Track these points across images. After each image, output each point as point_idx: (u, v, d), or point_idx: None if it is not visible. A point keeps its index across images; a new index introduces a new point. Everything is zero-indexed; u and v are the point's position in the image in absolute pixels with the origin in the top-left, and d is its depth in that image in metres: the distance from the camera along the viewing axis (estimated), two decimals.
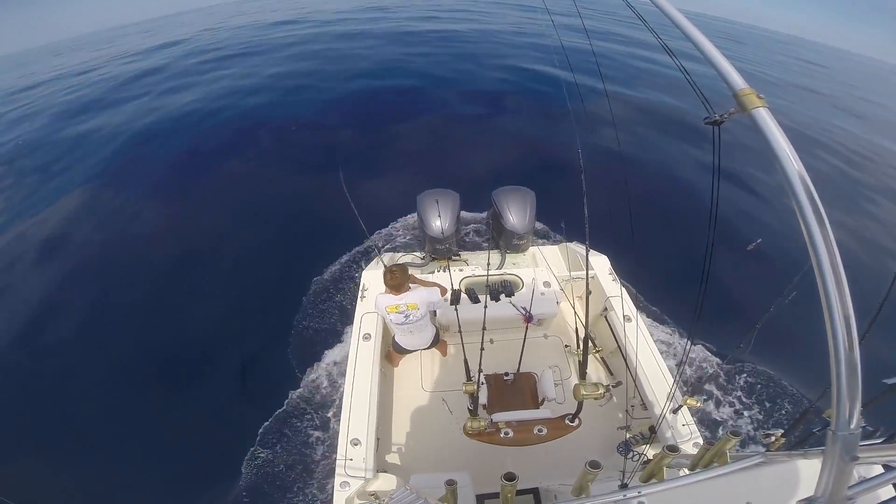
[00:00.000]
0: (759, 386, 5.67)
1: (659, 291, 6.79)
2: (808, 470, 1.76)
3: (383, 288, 4.17)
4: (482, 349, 3.46)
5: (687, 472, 2.21)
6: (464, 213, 7.60)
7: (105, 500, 4.79)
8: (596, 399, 3.00)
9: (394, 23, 28.90)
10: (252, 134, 12.82)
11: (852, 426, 1.32)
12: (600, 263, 4.99)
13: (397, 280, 3.71)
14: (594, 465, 2.08)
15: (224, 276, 7.69)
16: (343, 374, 4.80)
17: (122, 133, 14.14)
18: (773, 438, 2.04)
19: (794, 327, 5.45)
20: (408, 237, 8.07)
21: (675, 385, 2.96)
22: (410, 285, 3.93)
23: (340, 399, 3.92)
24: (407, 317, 3.89)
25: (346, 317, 6.39)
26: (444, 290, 4.12)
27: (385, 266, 4.37)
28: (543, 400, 4.08)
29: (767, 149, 1.36)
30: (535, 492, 3.50)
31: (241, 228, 8.84)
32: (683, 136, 12.74)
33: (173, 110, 15.50)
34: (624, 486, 2.14)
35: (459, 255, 5.61)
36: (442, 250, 5.29)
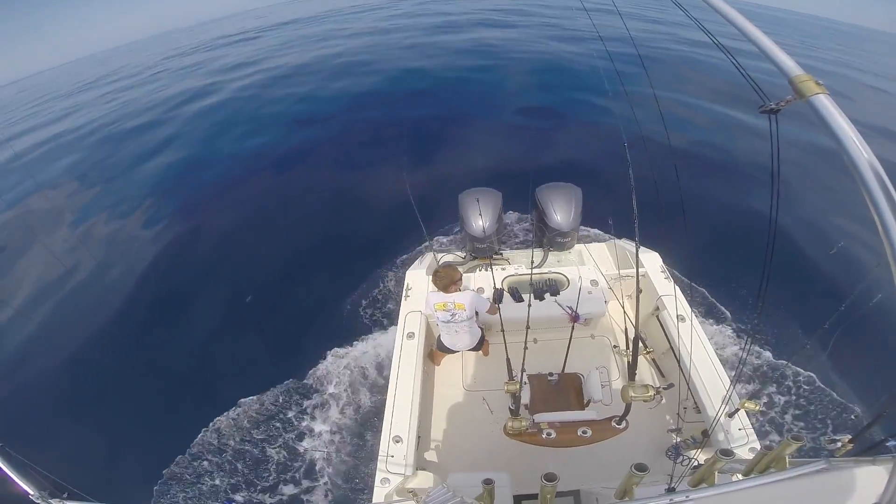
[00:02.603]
0: (824, 391, 5.31)
1: (716, 290, 6.52)
2: (873, 478, 1.63)
3: (427, 287, 4.20)
4: (525, 348, 3.41)
5: (741, 477, 2.10)
6: (508, 213, 7.58)
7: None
8: (645, 401, 2.90)
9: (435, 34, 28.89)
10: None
11: None
12: (651, 260, 4.82)
13: (443, 281, 3.86)
14: (640, 468, 2.01)
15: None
16: (386, 372, 4.89)
17: None
18: (839, 444, 1.92)
19: (864, 330, 5.10)
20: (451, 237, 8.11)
21: (731, 387, 2.81)
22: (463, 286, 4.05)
23: (384, 397, 3.98)
24: (453, 315, 3.96)
25: (392, 316, 6.49)
26: (492, 308, 4.13)
27: (427, 265, 4.41)
28: (589, 401, 3.99)
29: (831, 137, 1.26)
30: (575, 494, 3.43)
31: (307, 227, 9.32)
32: (736, 125, 12.21)
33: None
34: (671, 490, 2.06)
35: (501, 255, 5.55)
36: (483, 249, 5.26)
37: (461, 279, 4.01)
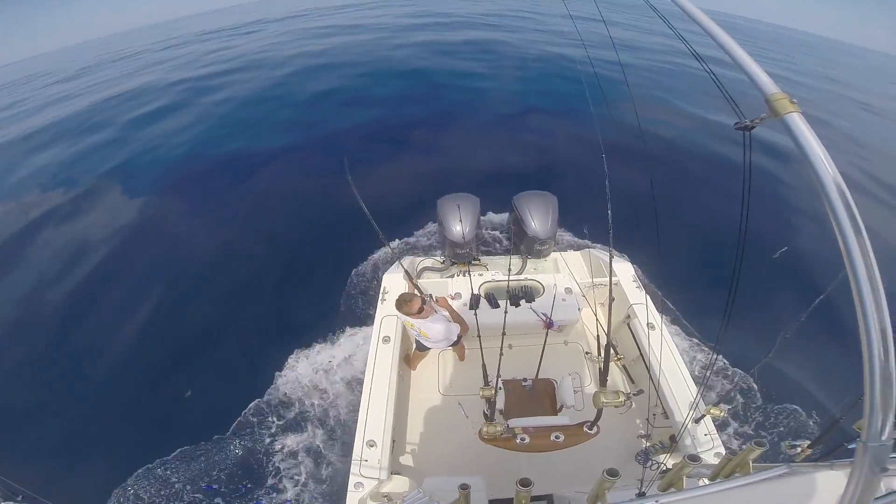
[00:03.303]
0: (785, 397, 5.51)
1: (685, 299, 6.68)
2: (832, 482, 1.71)
3: (404, 288, 4.18)
4: (501, 354, 3.44)
5: (707, 482, 2.16)
6: (484, 218, 7.63)
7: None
8: (616, 407, 2.96)
9: (423, 32, 28.96)
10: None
11: (884, 437, 1.28)
12: (624, 270, 4.92)
13: (402, 309, 3.78)
14: (612, 473, 2.04)
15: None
16: (360, 376, 4.83)
17: None
18: (798, 449, 1.99)
19: (824, 337, 5.30)
20: (431, 240, 8.08)
21: (699, 394, 2.90)
22: (436, 313, 4.01)
23: (357, 400, 3.94)
24: (419, 337, 4.05)
25: (367, 319, 6.43)
26: (465, 329, 4.16)
27: (405, 272, 4.39)
28: (562, 407, 4.03)
29: (801, 154, 1.33)
30: (549, 498, 3.45)
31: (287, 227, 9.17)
32: (713, 140, 12.47)
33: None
34: (641, 495, 2.10)
35: (479, 260, 5.59)
36: (462, 255, 5.29)
37: (423, 306, 3.83)
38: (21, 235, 9.87)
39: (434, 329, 3.94)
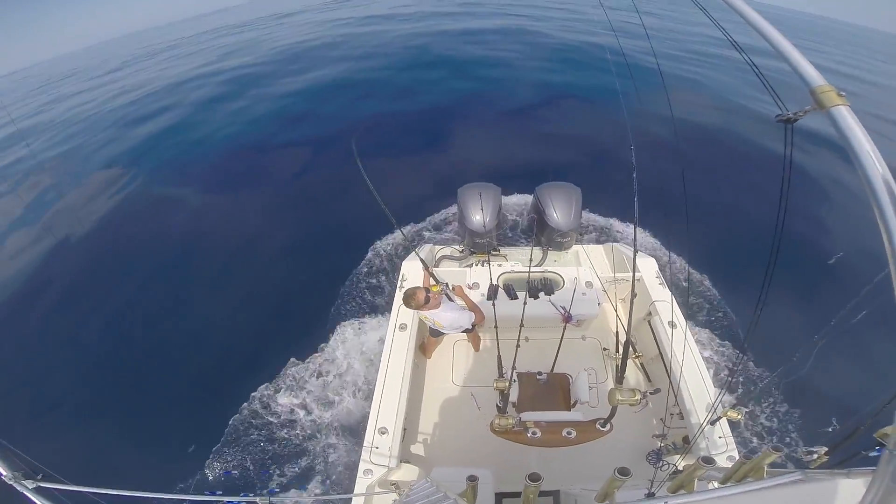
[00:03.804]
0: (807, 403, 5.34)
1: (712, 298, 6.54)
2: (848, 490, 1.64)
3: (423, 278, 4.14)
4: (518, 346, 3.40)
5: (717, 485, 2.11)
6: (506, 198, 7.60)
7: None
8: (631, 405, 2.89)
9: (450, 20, 28.74)
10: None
11: None
12: (647, 266, 4.81)
13: (412, 306, 3.74)
14: (623, 472, 2.00)
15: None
16: (375, 363, 4.85)
17: None
18: (815, 456, 1.92)
19: (855, 344, 5.12)
20: (446, 230, 8.06)
21: (720, 396, 2.82)
22: (455, 299, 4.02)
23: (371, 387, 3.95)
24: (432, 326, 4.02)
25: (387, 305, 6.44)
26: (480, 318, 4.11)
27: (421, 260, 4.37)
28: (576, 402, 3.99)
29: (848, 150, 1.25)
30: (555, 495, 3.43)
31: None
32: (751, 133, 11.88)
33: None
34: (651, 496, 2.06)
35: (499, 251, 5.53)
36: (482, 244, 5.24)
37: (431, 295, 3.80)
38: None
39: (446, 317, 3.93)
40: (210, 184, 11.04)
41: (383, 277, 7.12)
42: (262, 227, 8.94)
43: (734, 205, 8.81)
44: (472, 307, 4.17)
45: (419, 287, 3.88)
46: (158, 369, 6.31)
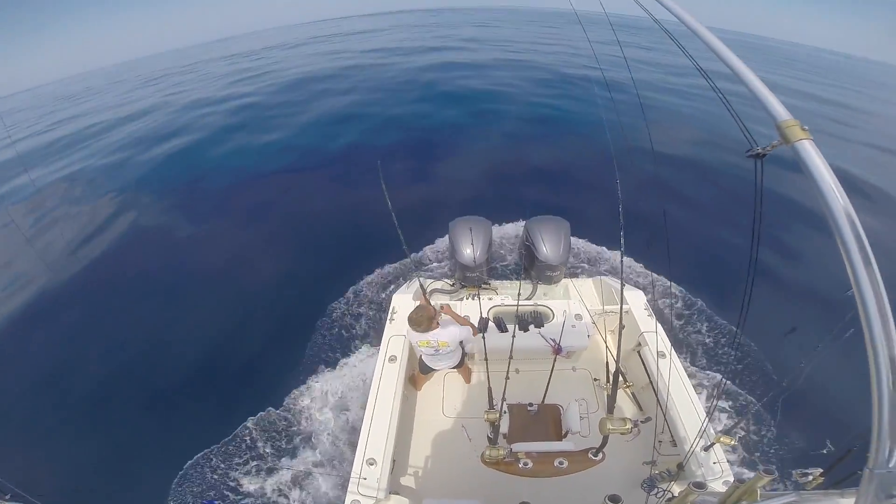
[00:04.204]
0: (799, 425, 5.35)
1: (695, 327, 6.59)
2: None
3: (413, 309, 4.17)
4: (507, 378, 3.41)
5: None
6: (498, 227, 7.77)
7: None
8: (623, 434, 2.90)
9: (434, 54, 29.67)
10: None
11: (891, 465, 1.28)
12: (635, 298, 4.87)
13: (422, 325, 3.73)
14: (614, 499, 2.01)
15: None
16: (364, 393, 4.82)
17: None
18: (810, 477, 1.95)
19: (841, 367, 5.16)
20: (443, 263, 8.08)
21: (705, 421, 2.84)
22: (443, 318, 3.98)
23: (360, 417, 3.92)
24: (437, 351, 3.97)
25: (375, 337, 6.44)
26: (475, 332, 4.13)
27: (420, 287, 4.39)
28: (567, 432, 3.99)
29: (811, 183, 1.33)
30: None
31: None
32: (727, 167, 12.22)
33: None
34: None
35: (489, 284, 5.57)
36: (472, 278, 5.27)
37: (436, 313, 3.88)
38: None
39: (449, 333, 3.90)
40: (193, 217, 11.12)
41: (370, 311, 7.10)
42: (238, 263, 8.96)
43: (714, 235, 9.02)
44: (464, 322, 4.17)
45: (426, 306, 3.87)
46: (146, 389, 6.30)
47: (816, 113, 21.44)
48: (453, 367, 4.32)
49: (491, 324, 4.64)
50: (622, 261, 3.48)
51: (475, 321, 4.56)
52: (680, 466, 3.45)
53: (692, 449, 2.98)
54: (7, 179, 16.44)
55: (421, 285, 4.65)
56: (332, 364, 6.15)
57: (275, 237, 9.53)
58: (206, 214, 11.04)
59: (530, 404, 4.25)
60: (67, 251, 10.01)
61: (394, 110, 17.03)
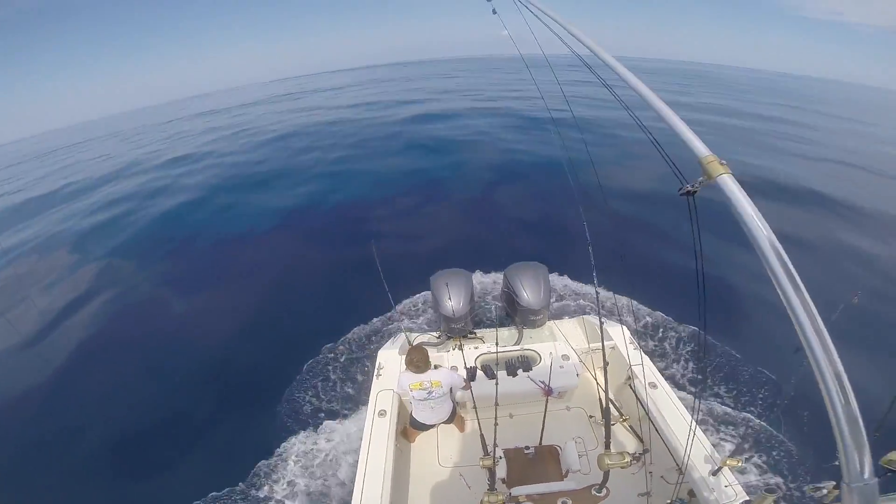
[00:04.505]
0: (805, 438, 5.33)
1: (674, 357, 6.54)
2: None
3: (400, 367, 4.17)
4: (496, 424, 3.44)
5: None
6: (483, 276, 7.77)
7: None
8: (622, 468, 2.94)
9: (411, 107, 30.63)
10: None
11: (865, 476, 1.31)
12: (618, 333, 4.93)
13: (419, 363, 3.86)
14: None
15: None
16: (355, 451, 4.76)
17: None
18: (824, 491, 1.95)
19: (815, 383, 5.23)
20: (427, 316, 8.06)
21: (689, 443, 2.87)
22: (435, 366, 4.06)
23: (351, 475, 3.82)
24: (430, 393, 3.98)
25: (361, 394, 6.37)
26: (467, 385, 4.18)
27: (410, 344, 4.42)
28: (568, 472, 3.97)
29: (735, 214, 1.41)
30: None
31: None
32: (669, 205, 12.41)
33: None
34: None
35: (475, 334, 5.60)
36: (457, 329, 5.31)
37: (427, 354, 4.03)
38: None
39: (441, 374, 3.98)
40: (169, 279, 11.17)
41: (354, 368, 7.01)
42: (214, 323, 8.88)
43: (668, 272, 8.72)
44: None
45: (419, 346, 4.02)
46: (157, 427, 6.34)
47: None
48: (444, 422, 4.31)
49: (479, 372, 4.67)
50: (598, 298, 3.58)
51: (463, 371, 4.58)
52: (691, 493, 3.43)
53: (683, 465, 2.99)
54: None
55: (407, 339, 4.67)
56: (316, 423, 6.00)
57: (247, 301, 9.43)
58: (182, 277, 11.08)
59: (527, 447, 4.24)
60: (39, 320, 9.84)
61: (373, 164, 17.67)
